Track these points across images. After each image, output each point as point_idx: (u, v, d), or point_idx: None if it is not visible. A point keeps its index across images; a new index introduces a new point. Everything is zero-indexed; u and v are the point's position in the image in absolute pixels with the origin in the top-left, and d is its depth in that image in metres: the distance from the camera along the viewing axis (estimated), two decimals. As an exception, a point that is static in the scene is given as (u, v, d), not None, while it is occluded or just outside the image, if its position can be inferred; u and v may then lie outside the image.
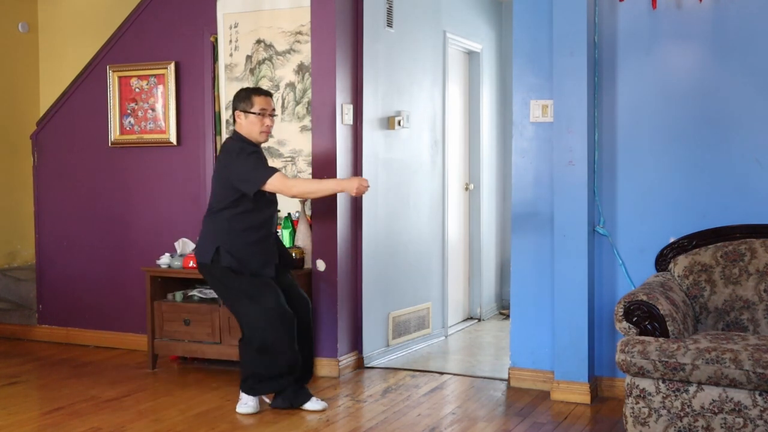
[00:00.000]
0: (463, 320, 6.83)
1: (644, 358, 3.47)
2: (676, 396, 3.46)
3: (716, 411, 3.40)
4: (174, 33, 5.59)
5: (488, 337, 6.29)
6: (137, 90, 5.67)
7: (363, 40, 5.12)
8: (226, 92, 5.35)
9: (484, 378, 4.94)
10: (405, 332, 5.69)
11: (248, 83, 5.24)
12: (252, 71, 5.30)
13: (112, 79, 5.72)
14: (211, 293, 5.04)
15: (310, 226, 5.04)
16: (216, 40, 5.43)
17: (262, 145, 4.39)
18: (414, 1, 5.80)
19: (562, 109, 4.38)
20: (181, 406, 4.38)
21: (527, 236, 4.64)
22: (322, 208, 4.95)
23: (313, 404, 4.27)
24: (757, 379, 3.30)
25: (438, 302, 6.14)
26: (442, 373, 5.06)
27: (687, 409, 3.44)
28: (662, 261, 4.23)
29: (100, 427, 4.03)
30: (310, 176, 5.04)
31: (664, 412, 3.49)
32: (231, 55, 5.36)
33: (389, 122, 5.46)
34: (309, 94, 5.11)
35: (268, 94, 4.30)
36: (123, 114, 5.71)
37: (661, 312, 3.57)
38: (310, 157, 5.06)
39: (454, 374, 5.05)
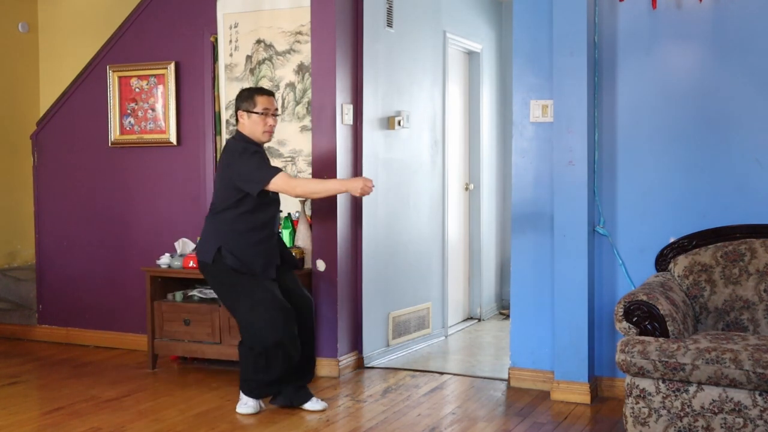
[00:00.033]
0: (463, 320, 6.82)
1: (644, 358, 3.47)
2: (676, 396, 3.46)
3: (716, 411, 3.40)
4: (174, 33, 5.59)
5: (488, 337, 6.29)
6: (137, 90, 5.67)
7: (363, 40, 5.12)
8: (226, 92, 5.35)
9: (484, 378, 4.94)
10: (405, 332, 5.69)
11: (248, 83, 5.24)
12: (252, 71, 5.30)
13: (112, 79, 5.72)
14: (211, 293, 5.04)
15: (310, 226, 5.04)
16: (216, 40, 5.43)
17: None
18: (414, 1, 5.79)
19: (562, 109, 4.38)
20: (181, 406, 4.38)
21: (527, 236, 4.64)
22: (322, 208, 4.95)
23: (313, 404, 4.27)
24: (757, 379, 3.29)
25: (438, 302, 6.14)
26: (442, 373, 5.06)
27: (687, 409, 3.44)
28: (662, 261, 4.23)
29: (100, 427, 4.03)
30: (310, 176, 5.04)
31: (664, 412, 3.49)
32: (231, 55, 5.36)
33: (389, 122, 5.46)
34: (309, 94, 5.11)
35: (270, 94, 4.29)
36: (123, 114, 5.71)
37: (661, 312, 3.57)
38: (310, 157, 5.06)
39: (454, 374, 5.05)
